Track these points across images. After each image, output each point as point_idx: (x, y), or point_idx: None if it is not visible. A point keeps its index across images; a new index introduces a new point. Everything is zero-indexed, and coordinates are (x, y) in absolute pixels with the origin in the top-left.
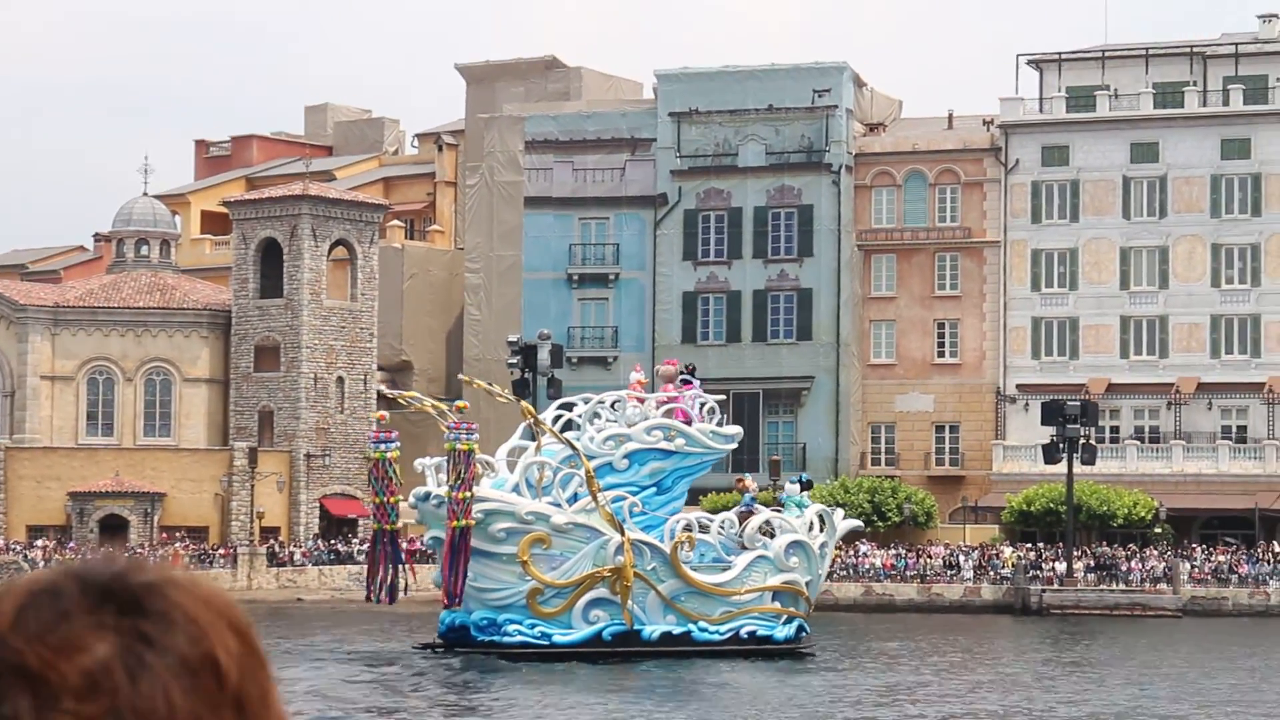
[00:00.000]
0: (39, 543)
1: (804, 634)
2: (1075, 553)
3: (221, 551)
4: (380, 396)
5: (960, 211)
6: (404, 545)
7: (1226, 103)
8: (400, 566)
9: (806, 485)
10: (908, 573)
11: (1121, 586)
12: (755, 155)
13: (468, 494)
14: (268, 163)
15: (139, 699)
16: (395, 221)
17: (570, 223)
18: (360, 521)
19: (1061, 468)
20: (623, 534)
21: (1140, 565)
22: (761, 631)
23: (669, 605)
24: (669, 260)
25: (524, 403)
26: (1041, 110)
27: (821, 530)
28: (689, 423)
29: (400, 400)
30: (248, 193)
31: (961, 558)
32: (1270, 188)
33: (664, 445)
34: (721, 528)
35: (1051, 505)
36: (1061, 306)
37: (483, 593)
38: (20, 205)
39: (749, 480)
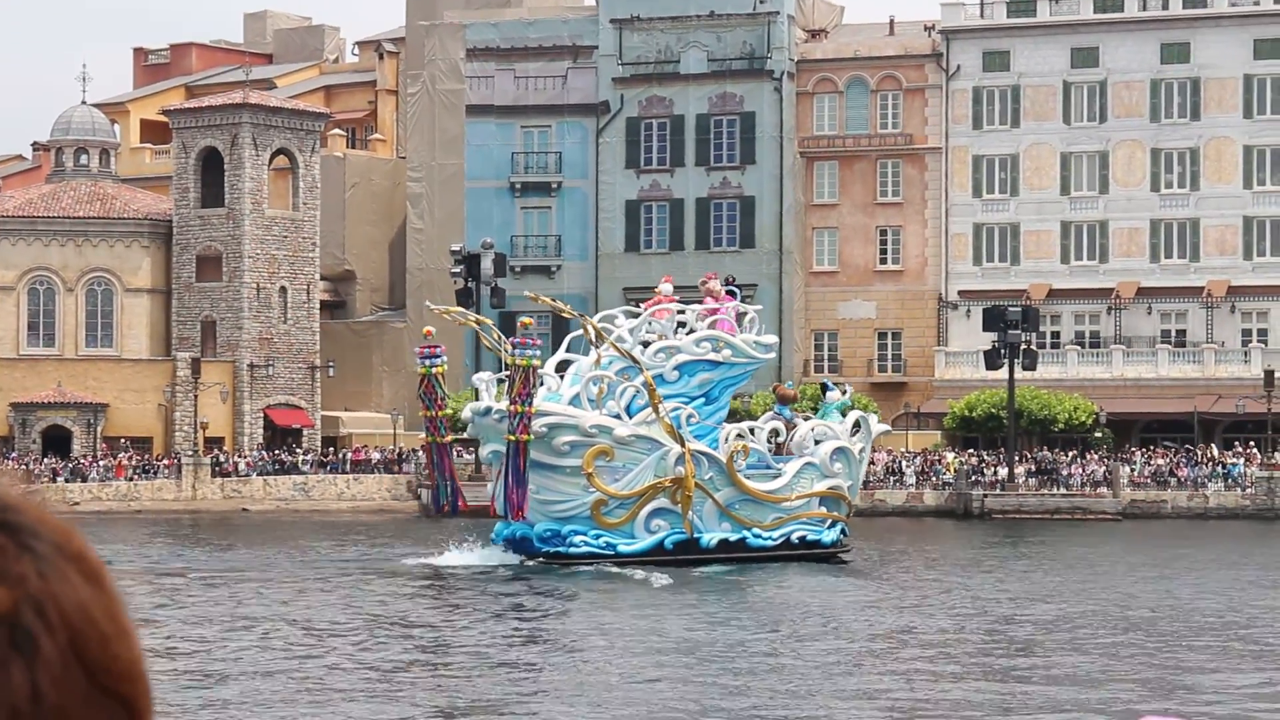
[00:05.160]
0: None
1: (844, 537)
2: (1016, 457)
3: (165, 462)
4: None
5: (902, 118)
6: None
7: (1166, 7)
8: (452, 478)
9: (843, 392)
10: None
11: (1062, 491)
12: (697, 62)
13: (530, 409)
14: (207, 71)
15: (49, 584)
16: (336, 130)
17: (512, 131)
18: (304, 431)
19: (1003, 373)
20: (683, 445)
21: (1081, 469)
22: (810, 536)
23: (724, 513)
24: (611, 168)
25: (585, 317)
26: (982, 15)
27: (857, 435)
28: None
29: (445, 315)
30: (187, 101)
31: (904, 464)
32: (1209, 92)
33: (712, 356)
34: (769, 438)
35: (993, 411)
36: (1002, 212)
37: (546, 505)
38: None
39: (789, 388)
